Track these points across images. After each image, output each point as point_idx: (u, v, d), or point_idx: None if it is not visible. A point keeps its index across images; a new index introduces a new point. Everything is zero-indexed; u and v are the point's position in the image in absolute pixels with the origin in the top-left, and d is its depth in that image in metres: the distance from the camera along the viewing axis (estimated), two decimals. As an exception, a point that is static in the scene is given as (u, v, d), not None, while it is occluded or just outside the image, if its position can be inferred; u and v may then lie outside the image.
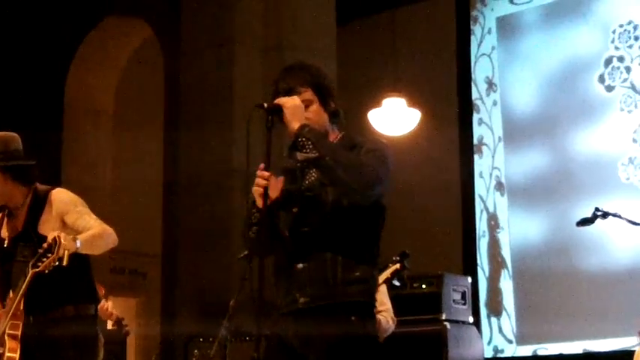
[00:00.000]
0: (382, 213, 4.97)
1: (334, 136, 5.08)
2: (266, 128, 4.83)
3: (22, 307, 5.88)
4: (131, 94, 14.26)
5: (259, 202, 4.76)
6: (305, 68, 5.18)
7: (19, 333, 5.88)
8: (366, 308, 4.91)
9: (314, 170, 4.96)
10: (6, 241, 6.17)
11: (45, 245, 5.59)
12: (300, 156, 4.89)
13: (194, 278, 11.04)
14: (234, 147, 11.18)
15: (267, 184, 4.77)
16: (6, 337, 5.89)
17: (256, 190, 4.79)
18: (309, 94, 4.98)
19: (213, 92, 11.57)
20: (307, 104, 5.00)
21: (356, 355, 4.78)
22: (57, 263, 5.52)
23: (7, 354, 5.83)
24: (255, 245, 4.94)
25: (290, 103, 4.99)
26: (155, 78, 12.97)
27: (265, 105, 4.92)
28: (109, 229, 6.01)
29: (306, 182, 5.01)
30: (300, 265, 4.90)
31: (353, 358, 4.78)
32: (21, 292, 5.78)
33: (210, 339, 9.26)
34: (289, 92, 4.94)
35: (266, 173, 4.60)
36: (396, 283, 6.46)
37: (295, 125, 4.84)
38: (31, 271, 5.63)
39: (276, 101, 4.93)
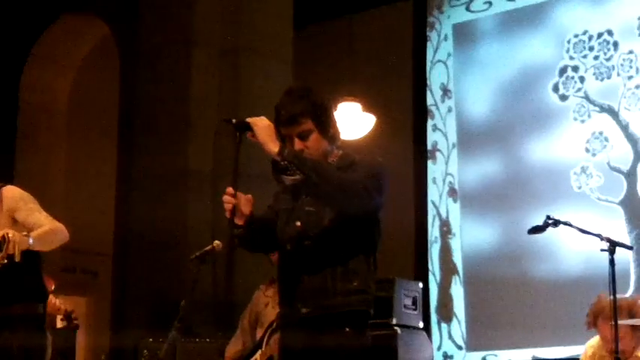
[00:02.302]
0: (377, 226, 5.08)
1: (334, 156, 5.15)
2: (235, 143, 4.89)
3: None
4: (86, 94, 14.19)
5: (230, 218, 4.88)
6: (306, 96, 5.22)
7: None
8: (364, 317, 4.96)
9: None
10: None
11: None
12: (287, 180, 4.97)
13: (145, 278, 11.03)
14: (190, 147, 11.19)
15: (235, 202, 4.88)
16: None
17: (226, 208, 4.88)
18: (309, 125, 5.09)
19: (169, 92, 11.54)
20: (307, 134, 5.09)
21: None
22: (6, 261, 5.51)
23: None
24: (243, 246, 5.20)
25: (260, 123, 5.02)
26: (111, 77, 12.93)
27: (233, 121, 4.97)
28: (61, 226, 6.02)
29: (307, 199, 5.08)
30: (303, 277, 4.96)
31: None
32: None
33: (160, 339, 9.23)
34: (291, 121, 5.00)
35: (231, 191, 4.73)
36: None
37: (273, 148, 4.92)
38: None
39: (247, 120, 4.97)
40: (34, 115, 13.69)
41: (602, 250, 6.40)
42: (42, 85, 13.97)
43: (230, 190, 4.86)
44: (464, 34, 10.75)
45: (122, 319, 11.37)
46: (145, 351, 9.14)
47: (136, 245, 11.54)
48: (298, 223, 5.24)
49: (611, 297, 6.58)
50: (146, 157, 11.73)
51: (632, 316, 6.93)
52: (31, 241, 5.71)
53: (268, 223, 5.25)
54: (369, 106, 10.80)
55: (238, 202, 5.01)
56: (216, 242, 6.91)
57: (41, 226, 5.89)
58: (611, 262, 6.40)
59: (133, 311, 11.03)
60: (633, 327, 6.90)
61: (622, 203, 9.44)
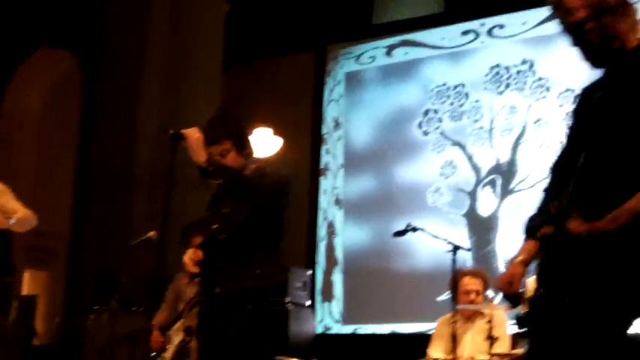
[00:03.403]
0: (281, 225, 5.26)
1: (249, 169, 5.29)
2: (170, 149, 5.03)
3: None
4: (55, 111, 14.10)
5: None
6: (226, 122, 5.39)
7: None
8: (264, 297, 5.15)
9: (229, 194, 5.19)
10: None
11: None
12: (212, 183, 5.15)
13: (95, 257, 10.95)
14: (135, 155, 11.15)
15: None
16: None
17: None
18: (228, 145, 5.23)
19: (121, 111, 11.55)
20: (226, 152, 5.23)
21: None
22: None
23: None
24: None
25: (193, 135, 5.12)
26: (75, 98, 12.88)
27: (171, 131, 5.08)
28: (32, 213, 6.03)
29: (225, 201, 5.25)
30: (218, 264, 5.16)
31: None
32: None
33: (105, 308, 9.22)
34: (213, 142, 5.15)
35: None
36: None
37: (201, 158, 5.05)
38: None
39: (182, 131, 5.09)
40: (10, 126, 13.61)
41: (447, 251, 6.63)
42: (20, 102, 13.89)
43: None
44: (353, 80, 10.80)
45: (75, 291, 11.31)
46: (92, 316, 9.12)
47: (89, 227, 11.53)
48: (214, 224, 5.39)
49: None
50: (101, 151, 11.73)
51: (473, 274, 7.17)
52: (12, 221, 5.79)
53: None
54: (278, 132, 10.92)
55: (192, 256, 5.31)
56: (152, 232, 6.99)
57: (16, 212, 5.96)
58: (454, 260, 6.65)
59: (84, 285, 10.97)
60: (484, 284, 7.10)
61: (465, 215, 9.62)
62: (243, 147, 5.38)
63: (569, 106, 9.18)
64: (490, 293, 7.62)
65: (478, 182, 9.72)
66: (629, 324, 3.22)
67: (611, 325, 3.20)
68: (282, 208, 5.34)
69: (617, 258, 3.20)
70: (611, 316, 3.22)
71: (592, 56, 3.38)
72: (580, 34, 3.36)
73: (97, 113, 12.23)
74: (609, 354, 3.24)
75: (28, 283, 11.72)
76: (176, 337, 6.86)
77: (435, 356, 6.99)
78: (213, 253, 5.31)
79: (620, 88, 3.28)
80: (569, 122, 3.54)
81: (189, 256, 5.30)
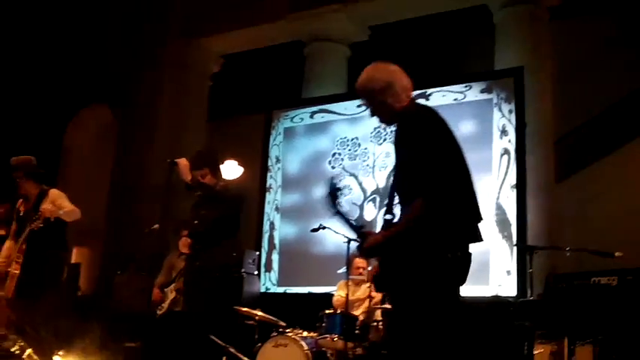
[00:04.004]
0: (239, 222, 5.36)
1: (219, 186, 5.31)
2: (168, 172, 5.04)
3: (24, 246, 5.78)
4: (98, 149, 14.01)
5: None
6: (205, 156, 5.43)
7: (21, 260, 5.77)
8: (227, 268, 5.22)
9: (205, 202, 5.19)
10: (21, 212, 6.08)
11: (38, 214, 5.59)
12: (194, 194, 5.18)
13: (120, 240, 10.88)
14: (149, 170, 11.14)
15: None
16: (14, 262, 5.77)
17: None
18: (206, 170, 5.27)
19: (141, 147, 11.50)
20: (205, 175, 5.24)
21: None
22: (41, 225, 5.54)
23: (13, 271, 5.71)
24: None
25: (182, 162, 5.19)
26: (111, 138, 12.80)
27: (168, 160, 5.13)
28: (77, 209, 5.95)
29: (203, 206, 5.25)
30: (198, 247, 5.15)
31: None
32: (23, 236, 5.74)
33: (125, 272, 9.10)
34: (196, 168, 5.19)
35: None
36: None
37: (187, 178, 5.10)
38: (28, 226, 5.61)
39: (175, 160, 5.16)
40: (69, 157, 13.52)
41: (344, 242, 6.61)
42: (75, 142, 13.81)
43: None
44: (288, 133, 10.70)
45: (106, 262, 11.21)
46: (117, 277, 9.02)
47: (117, 223, 11.42)
48: (196, 221, 5.33)
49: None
50: (125, 180, 11.64)
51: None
52: (61, 212, 5.69)
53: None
54: (240, 163, 10.89)
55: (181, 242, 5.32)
56: (156, 225, 6.89)
57: (65, 208, 5.86)
58: (348, 248, 6.63)
59: (112, 257, 10.87)
60: (367, 262, 7.13)
61: (356, 220, 9.53)
62: (217, 172, 5.45)
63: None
64: (370, 268, 7.63)
65: (365, 199, 9.65)
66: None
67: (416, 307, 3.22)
68: (239, 212, 5.39)
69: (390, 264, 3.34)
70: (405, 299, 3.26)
71: (382, 120, 3.66)
72: (372, 112, 3.62)
73: (126, 149, 12.24)
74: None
75: (76, 255, 11.57)
76: (170, 295, 6.79)
77: (338, 294, 7.27)
78: (195, 240, 5.30)
79: (395, 136, 3.41)
80: None
81: (182, 242, 5.31)
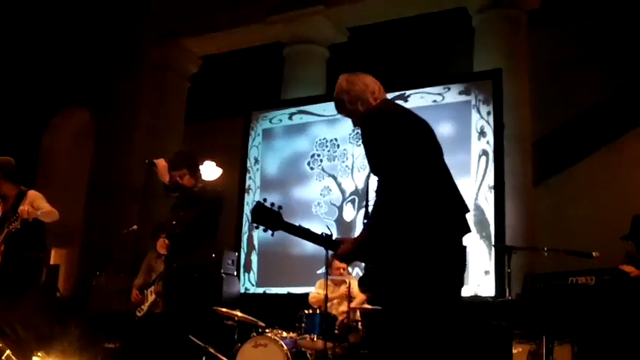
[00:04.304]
0: (217, 223, 5.33)
1: (197, 187, 5.30)
2: (146, 173, 5.03)
3: (2, 247, 5.76)
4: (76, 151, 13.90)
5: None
6: (183, 156, 5.41)
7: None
8: (206, 269, 5.22)
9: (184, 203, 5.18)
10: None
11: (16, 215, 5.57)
12: (172, 195, 5.16)
13: (99, 241, 10.79)
14: (128, 171, 11.09)
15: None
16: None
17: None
18: (185, 171, 5.23)
19: (119, 147, 11.43)
20: (183, 175, 5.21)
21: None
22: (19, 226, 5.52)
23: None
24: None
25: (161, 164, 5.17)
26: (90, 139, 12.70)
27: (147, 161, 5.10)
28: (55, 210, 5.92)
29: (181, 207, 5.22)
30: (176, 249, 5.20)
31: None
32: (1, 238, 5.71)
33: (104, 273, 9.07)
34: (174, 169, 5.16)
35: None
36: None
37: (165, 178, 5.07)
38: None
39: (154, 160, 5.13)
40: (47, 158, 13.43)
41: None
42: (53, 143, 13.73)
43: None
44: (267, 134, 10.68)
45: (84, 263, 11.13)
46: (95, 278, 8.96)
47: (95, 224, 11.35)
48: (174, 222, 5.31)
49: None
50: (104, 181, 11.57)
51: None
52: (39, 212, 5.66)
53: None
54: (219, 164, 10.84)
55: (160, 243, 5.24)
56: (135, 226, 6.86)
57: (43, 209, 5.83)
58: (327, 251, 6.62)
59: (90, 258, 10.80)
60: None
61: (335, 221, 9.56)
62: (195, 173, 5.43)
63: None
64: (350, 269, 7.66)
65: (344, 200, 9.67)
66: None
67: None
68: (218, 213, 5.37)
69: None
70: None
71: (354, 123, 3.78)
72: (348, 117, 3.80)
73: (104, 150, 12.18)
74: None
75: (54, 256, 11.49)
76: (150, 297, 6.75)
77: (316, 292, 7.26)
78: (173, 241, 5.28)
79: (361, 137, 3.52)
80: None
81: (160, 244, 5.28)
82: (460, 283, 3.28)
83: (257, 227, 3.57)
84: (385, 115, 3.44)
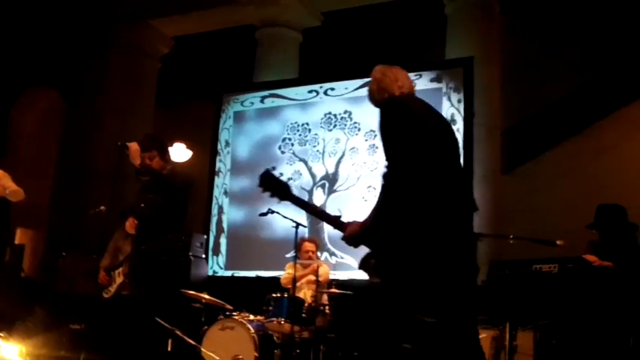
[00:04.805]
0: (186, 205, 5.28)
1: (167, 170, 5.28)
2: (118, 155, 5.00)
3: None
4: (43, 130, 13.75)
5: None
6: (154, 138, 5.39)
7: None
8: (174, 252, 5.17)
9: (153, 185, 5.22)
10: None
11: None
12: (142, 179, 5.13)
13: (65, 221, 10.71)
14: (96, 152, 11.02)
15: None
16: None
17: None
18: (154, 153, 5.21)
19: (88, 129, 11.32)
20: (153, 157, 5.18)
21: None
22: None
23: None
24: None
25: (133, 147, 5.15)
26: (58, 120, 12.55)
27: (119, 143, 5.08)
28: (21, 190, 5.89)
29: (150, 190, 5.19)
30: (144, 231, 5.16)
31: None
32: None
33: (70, 253, 9.01)
34: (145, 150, 5.13)
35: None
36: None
37: (137, 162, 5.05)
38: None
39: (127, 143, 5.11)
40: (14, 139, 13.28)
41: (293, 226, 6.63)
42: (20, 124, 13.59)
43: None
44: (239, 117, 10.64)
45: (51, 243, 11.03)
46: (61, 259, 8.90)
47: (62, 204, 11.25)
48: (142, 204, 5.29)
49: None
50: (72, 161, 11.46)
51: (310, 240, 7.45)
52: (7, 192, 5.62)
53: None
54: (189, 146, 10.82)
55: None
56: (102, 207, 6.80)
57: (10, 188, 5.79)
58: (296, 233, 6.65)
59: (57, 238, 10.72)
60: (316, 247, 7.31)
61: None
62: (165, 155, 5.40)
63: (372, 141, 9.30)
64: (319, 253, 7.70)
65: (314, 185, 9.68)
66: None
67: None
68: (187, 196, 5.35)
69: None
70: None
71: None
72: (374, 105, 3.79)
73: (72, 131, 12.06)
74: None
75: (20, 236, 11.34)
76: (118, 278, 6.69)
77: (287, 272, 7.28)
78: (141, 223, 5.25)
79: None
80: None
81: (129, 223, 5.26)
82: (463, 275, 3.26)
83: (263, 192, 3.66)
84: (400, 106, 3.52)
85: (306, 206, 3.61)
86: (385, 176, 3.33)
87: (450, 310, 3.15)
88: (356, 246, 3.48)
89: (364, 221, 3.41)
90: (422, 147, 3.32)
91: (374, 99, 3.76)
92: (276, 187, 3.65)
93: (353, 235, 3.42)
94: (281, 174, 9.77)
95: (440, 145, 3.43)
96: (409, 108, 3.51)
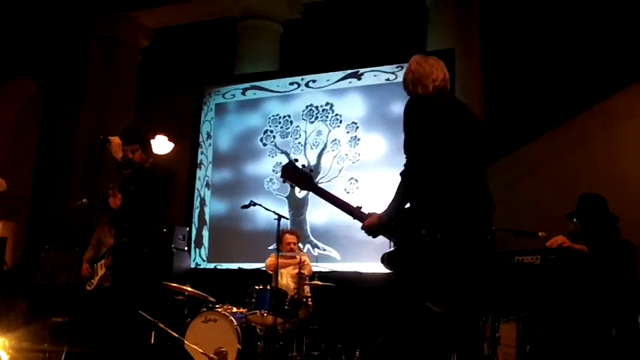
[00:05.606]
0: (168, 198, 5.29)
1: (148, 163, 5.28)
2: (99, 148, 4.99)
3: None
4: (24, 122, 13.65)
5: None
6: (136, 131, 5.39)
7: None
8: (155, 245, 5.16)
9: (134, 178, 5.28)
10: None
11: None
12: (123, 172, 5.13)
13: (47, 214, 10.65)
14: (77, 144, 10.94)
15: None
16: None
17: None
18: (137, 146, 5.22)
19: (68, 121, 11.24)
20: (135, 150, 5.18)
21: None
22: None
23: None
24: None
25: (115, 142, 5.13)
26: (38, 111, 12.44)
27: (101, 137, 5.07)
28: (2, 180, 5.85)
29: (132, 183, 5.19)
30: (125, 223, 5.13)
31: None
32: None
33: (51, 247, 8.92)
34: (126, 143, 5.13)
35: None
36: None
37: (119, 155, 5.06)
38: None
39: (108, 137, 5.11)
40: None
41: (275, 219, 6.63)
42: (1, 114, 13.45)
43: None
44: (220, 109, 10.59)
45: (32, 236, 10.97)
46: (43, 252, 8.85)
47: (43, 197, 11.17)
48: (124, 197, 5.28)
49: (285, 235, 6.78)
50: (52, 153, 11.37)
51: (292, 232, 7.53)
52: None
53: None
54: (171, 139, 10.75)
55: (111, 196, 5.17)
56: (84, 200, 6.77)
57: None
58: (279, 225, 6.64)
59: (38, 232, 10.65)
60: (297, 239, 7.29)
61: (287, 197, 9.52)
62: (147, 148, 5.39)
63: (354, 133, 9.30)
64: (301, 245, 7.71)
65: (296, 176, 9.64)
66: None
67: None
68: (168, 188, 5.36)
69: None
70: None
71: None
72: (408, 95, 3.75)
73: (52, 123, 11.95)
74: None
75: (1, 229, 11.27)
76: (100, 271, 6.67)
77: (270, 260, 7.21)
78: (123, 216, 5.24)
79: None
80: None
81: (113, 199, 5.31)
82: (479, 271, 3.27)
83: (284, 182, 3.71)
84: (428, 102, 3.52)
85: (328, 196, 3.62)
86: (403, 174, 3.37)
87: (461, 303, 3.19)
88: (375, 236, 3.52)
89: (382, 214, 3.46)
90: (446, 148, 3.34)
91: (407, 88, 3.76)
92: (299, 177, 3.70)
93: (372, 225, 3.47)
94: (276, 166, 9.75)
95: (463, 145, 3.45)
96: (437, 106, 3.51)
